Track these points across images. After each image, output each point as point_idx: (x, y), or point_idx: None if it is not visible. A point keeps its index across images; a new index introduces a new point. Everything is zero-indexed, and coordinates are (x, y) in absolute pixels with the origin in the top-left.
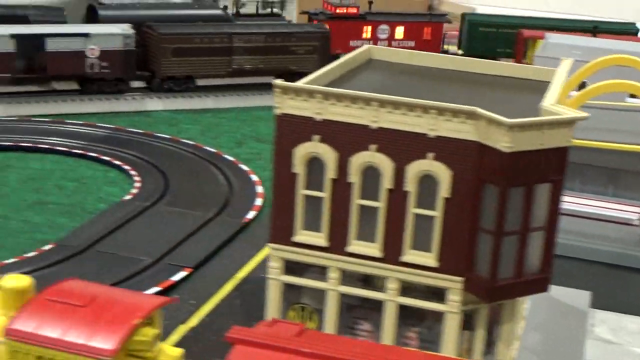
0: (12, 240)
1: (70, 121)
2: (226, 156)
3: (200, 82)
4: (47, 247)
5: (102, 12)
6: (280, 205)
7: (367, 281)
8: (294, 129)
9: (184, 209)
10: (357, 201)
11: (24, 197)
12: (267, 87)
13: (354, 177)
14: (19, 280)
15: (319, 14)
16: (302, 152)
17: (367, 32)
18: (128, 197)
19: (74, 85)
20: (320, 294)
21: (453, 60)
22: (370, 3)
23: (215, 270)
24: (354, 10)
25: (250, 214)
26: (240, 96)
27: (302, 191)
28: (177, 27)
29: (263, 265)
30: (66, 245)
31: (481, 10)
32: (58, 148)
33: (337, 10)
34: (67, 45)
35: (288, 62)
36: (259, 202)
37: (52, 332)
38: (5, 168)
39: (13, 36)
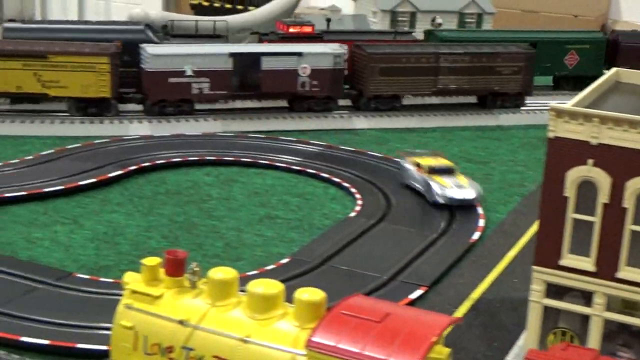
0: (249, 253)
1: (284, 138)
2: None
3: (405, 101)
4: (284, 260)
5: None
6: (548, 228)
7: (630, 307)
8: (568, 153)
9: (408, 227)
10: (630, 226)
11: (253, 211)
12: (471, 107)
13: (629, 202)
14: (313, 294)
15: (270, 34)
16: (574, 175)
17: None
18: (352, 214)
19: (283, 103)
20: (579, 319)
21: None
22: (328, 21)
23: (449, 290)
24: (308, 29)
25: (475, 235)
26: (445, 116)
27: (572, 215)
28: (385, 47)
29: (496, 286)
30: (301, 260)
31: None
32: (277, 164)
33: (291, 30)
34: (281, 64)
35: (492, 82)
36: (481, 223)
37: (352, 346)
38: (230, 182)
39: (231, 55)
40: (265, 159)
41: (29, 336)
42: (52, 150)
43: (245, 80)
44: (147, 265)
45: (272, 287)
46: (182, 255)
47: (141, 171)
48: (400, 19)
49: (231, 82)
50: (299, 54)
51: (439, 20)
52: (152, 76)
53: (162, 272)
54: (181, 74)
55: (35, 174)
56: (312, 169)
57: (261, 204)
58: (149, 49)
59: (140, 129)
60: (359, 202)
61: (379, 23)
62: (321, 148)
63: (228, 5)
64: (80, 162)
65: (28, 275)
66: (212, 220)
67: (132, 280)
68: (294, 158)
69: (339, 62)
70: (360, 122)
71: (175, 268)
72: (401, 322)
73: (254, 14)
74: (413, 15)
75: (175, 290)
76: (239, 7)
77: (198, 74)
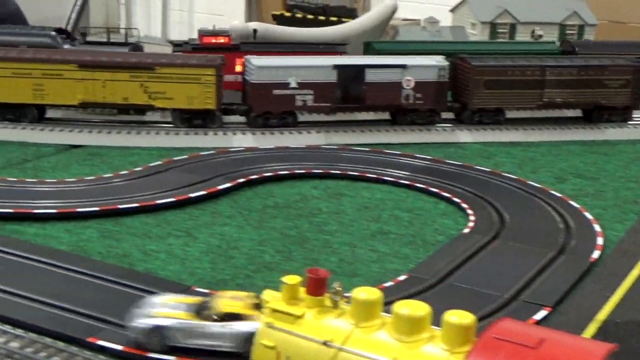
0: (365, 269)
1: (388, 151)
2: (552, 192)
3: (509, 115)
4: (401, 277)
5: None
6: None
7: None
8: None
9: (525, 244)
10: None
11: (365, 226)
12: (576, 121)
13: None
14: (462, 317)
15: (184, 45)
16: None
17: (241, 65)
18: (466, 230)
19: (386, 116)
20: None
21: None
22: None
23: (572, 311)
24: (222, 40)
25: (595, 253)
26: (550, 130)
27: None
28: (490, 60)
29: (622, 307)
30: (419, 277)
31: None
32: (384, 178)
33: (205, 40)
34: (385, 77)
35: (599, 96)
36: (599, 241)
37: None
38: (338, 196)
39: (335, 67)
40: (372, 173)
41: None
42: (160, 162)
43: (349, 93)
44: (287, 284)
45: (419, 308)
46: (323, 274)
47: (248, 184)
48: (499, 30)
49: (335, 95)
50: (403, 67)
51: (539, 32)
52: (257, 88)
53: (302, 290)
54: (285, 86)
55: (145, 186)
56: (420, 183)
57: (372, 218)
58: (254, 60)
59: (244, 140)
60: (471, 217)
61: (478, 35)
62: (427, 162)
63: (310, 16)
64: (188, 173)
65: (149, 288)
66: (323, 234)
67: (271, 298)
68: (400, 172)
69: (443, 75)
70: (464, 135)
71: (317, 287)
72: (558, 349)
73: (350, 26)
74: (513, 27)
75: (317, 310)
76: (320, 18)
77: (302, 86)
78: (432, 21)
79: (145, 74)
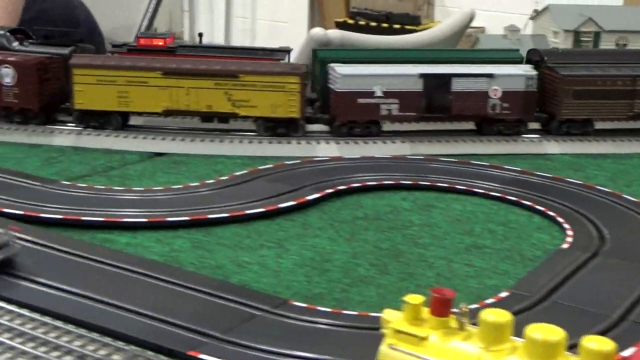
0: (463, 284)
1: (476, 162)
2: None
3: (598, 126)
4: (503, 294)
5: None
6: None
7: None
8: None
9: (628, 262)
10: None
11: (459, 239)
12: None
13: None
14: (603, 343)
15: (122, 46)
16: None
17: None
18: (565, 245)
19: (470, 125)
20: None
21: None
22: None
23: None
24: (159, 42)
25: None
26: None
27: None
28: (580, 69)
29: None
30: (521, 294)
31: None
32: (475, 190)
33: (141, 42)
34: (471, 86)
35: None
36: None
37: None
38: (429, 208)
39: (421, 75)
40: (461, 184)
41: None
42: (246, 171)
43: (434, 102)
44: (410, 303)
45: (554, 333)
46: (449, 294)
47: (337, 194)
48: (583, 39)
49: (420, 104)
50: (491, 76)
51: (623, 40)
52: (342, 97)
53: (425, 311)
54: (371, 94)
55: (232, 195)
56: (512, 196)
57: (465, 231)
58: (339, 69)
59: (328, 150)
60: (569, 232)
61: (560, 43)
62: (516, 174)
63: (373, 24)
64: (275, 183)
65: (244, 301)
66: (417, 247)
67: (392, 318)
68: (490, 184)
69: (531, 85)
70: (552, 146)
71: (442, 307)
72: None
73: (430, 34)
74: (597, 35)
75: (442, 332)
76: (384, 25)
77: (387, 95)
78: (513, 29)
79: (230, 81)
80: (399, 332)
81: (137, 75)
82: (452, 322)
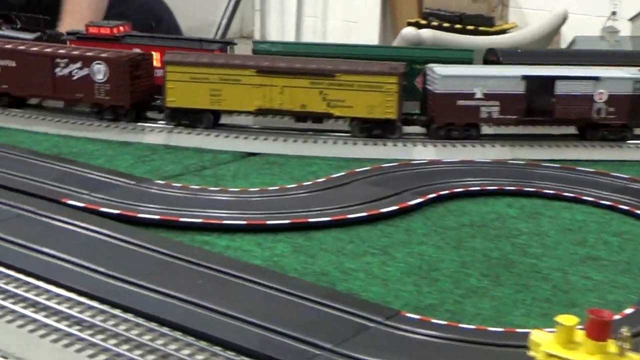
0: (582, 298)
1: (581, 168)
2: None
3: None
4: (628, 310)
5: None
6: None
7: None
8: None
9: None
10: None
11: (572, 250)
12: None
13: None
14: None
15: (74, 34)
16: None
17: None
18: None
19: (572, 130)
20: None
21: None
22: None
23: None
24: (106, 31)
25: None
26: None
27: None
28: None
29: None
30: None
31: None
32: (583, 197)
33: (90, 30)
34: (576, 89)
35: None
36: None
37: None
38: (537, 216)
39: (524, 77)
40: (568, 192)
41: None
42: (343, 173)
43: (536, 105)
44: (564, 325)
45: None
46: (608, 316)
47: (439, 199)
48: None
49: (521, 107)
50: (596, 79)
51: None
52: (441, 98)
53: (580, 333)
54: (471, 96)
55: (331, 198)
56: (623, 205)
57: (577, 242)
58: (438, 69)
59: (425, 153)
60: None
61: None
62: (624, 181)
63: (446, 24)
64: (374, 186)
65: (355, 311)
66: (528, 258)
67: (543, 341)
68: (598, 191)
69: (639, 88)
70: None
71: (600, 331)
72: None
73: (522, 34)
74: None
75: (600, 357)
76: (457, 26)
77: (488, 97)
78: (612, 31)
79: (325, 80)
80: (552, 356)
81: (230, 73)
82: (611, 346)
